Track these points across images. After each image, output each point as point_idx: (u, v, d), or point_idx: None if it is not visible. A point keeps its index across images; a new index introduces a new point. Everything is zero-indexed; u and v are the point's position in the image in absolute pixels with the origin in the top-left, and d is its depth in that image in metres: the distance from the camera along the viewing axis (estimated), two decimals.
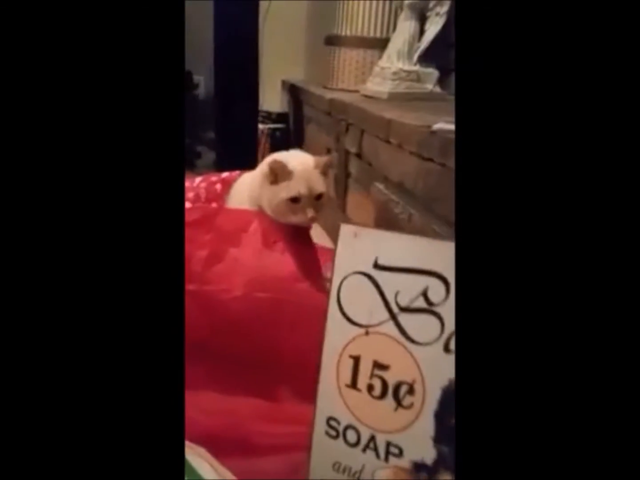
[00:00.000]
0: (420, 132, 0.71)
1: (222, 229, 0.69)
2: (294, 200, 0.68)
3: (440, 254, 0.39)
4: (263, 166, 0.72)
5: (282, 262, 0.64)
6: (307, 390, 0.51)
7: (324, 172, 0.70)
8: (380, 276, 0.41)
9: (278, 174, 0.68)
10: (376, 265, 0.42)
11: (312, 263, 0.71)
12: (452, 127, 0.69)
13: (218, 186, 0.86)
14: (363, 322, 0.43)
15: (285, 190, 0.68)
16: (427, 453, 0.40)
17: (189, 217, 0.70)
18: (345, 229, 0.44)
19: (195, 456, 0.45)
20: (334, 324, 0.44)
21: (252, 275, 0.62)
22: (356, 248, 0.43)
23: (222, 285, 0.61)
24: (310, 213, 0.68)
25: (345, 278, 0.44)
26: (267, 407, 0.61)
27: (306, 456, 0.47)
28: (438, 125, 0.69)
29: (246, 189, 0.77)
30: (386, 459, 0.42)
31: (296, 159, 0.71)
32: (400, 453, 0.41)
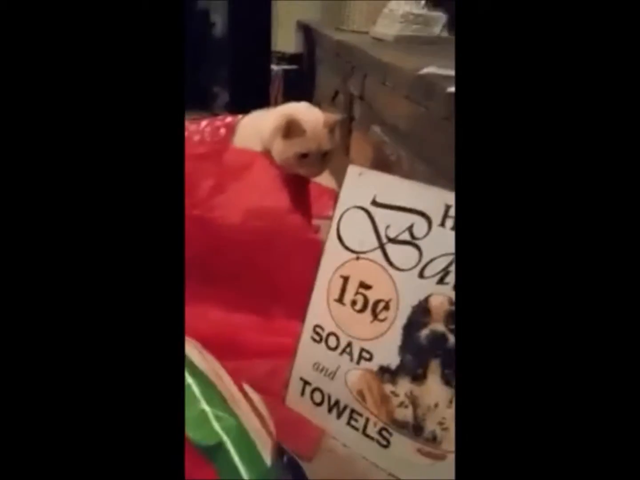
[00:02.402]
0: (412, 75, 0.75)
1: (228, 165, 0.75)
2: (303, 155, 0.74)
3: (428, 197, 0.46)
4: (277, 117, 0.76)
5: (279, 197, 0.72)
6: (297, 309, 0.60)
7: (332, 131, 0.76)
8: (376, 211, 0.49)
9: (291, 130, 0.73)
10: (374, 202, 0.49)
11: (304, 201, 0.79)
12: (442, 71, 0.71)
13: (222, 130, 0.90)
14: (356, 248, 0.51)
15: (297, 146, 0.74)
16: (393, 359, 0.49)
17: (197, 150, 0.76)
18: (352, 169, 0.51)
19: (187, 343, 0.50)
20: (331, 249, 0.52)
21: (251, 206, 0.69)
22: (359, 186, 0.50)
23: (223, 213, 0.68)
24: (316, 168, 0.75)
25: (346, 211, 0.51)
26: (259, 320, 0.69)
27: (287, 363, 0.56)
28: (427, 70, 0.72)
29: (255, 129, 0.82)
30: (358, 362, 0.51)
31: (308, 116, 0.76)
32: (371, 358, 0.50)
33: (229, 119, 0.92)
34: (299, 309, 0.57)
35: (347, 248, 0.51)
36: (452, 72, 0.71)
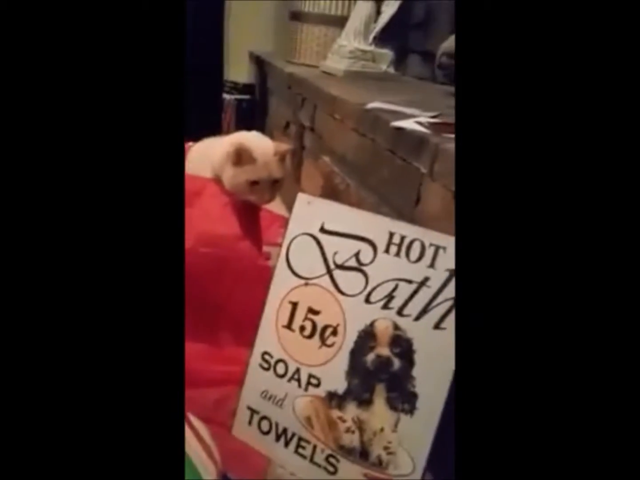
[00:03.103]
0: (359, 109, 0.79)
1: None
2: (254, 183, 0.76)
3: (374, 225, 0.48)
4: (227, 145, 0.77)
5: (229, 224, 0.72)
6: (246, 336, 0.59)
7: (282, 159, 0.78)
8: (324, 238, 0.51)
9: (242, 158, 0.75)
10: (322, 229, 0.51)
11: (255, 228, 0.79)
12: (386, 106, 0.76)
13: None
14: (305, 275, 0.52)
15: (247, 174, 0.75)
16: (340, 384, 0.49)
17: None
18: (301, 197, 0.53)
19: None
20: (280, 275, 0.53)
21: (201, 232, 0.68)
22: (308, 213, 0.52)
23: None
24: (266, 195, 0.77)
25: (295, 237, 0.52)
26: (208, 348, 0.68)
27: (235, 392, 0.55)
28: (373, 105, 0.76)
29: (205, 156, 0.82)
30: (306, 389, 0.51)
31: (259, 144, 0.77)
32: (319, 383, 0.50)
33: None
34: (249, 336, 0.57)
35: (296, 274, 0.52)
36: (396, 107, 0.76)
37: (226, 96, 1.78)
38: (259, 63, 1.74)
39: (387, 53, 1.34)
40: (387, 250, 0.48)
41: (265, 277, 0.55)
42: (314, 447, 0.50)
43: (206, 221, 0.73)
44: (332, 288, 0.50)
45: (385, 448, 0.47)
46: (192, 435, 0.39)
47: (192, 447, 0.38)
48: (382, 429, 0.47)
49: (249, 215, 0.80)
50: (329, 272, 0.50)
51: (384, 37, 1.34)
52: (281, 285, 0.53)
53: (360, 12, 1.31)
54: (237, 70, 1.89)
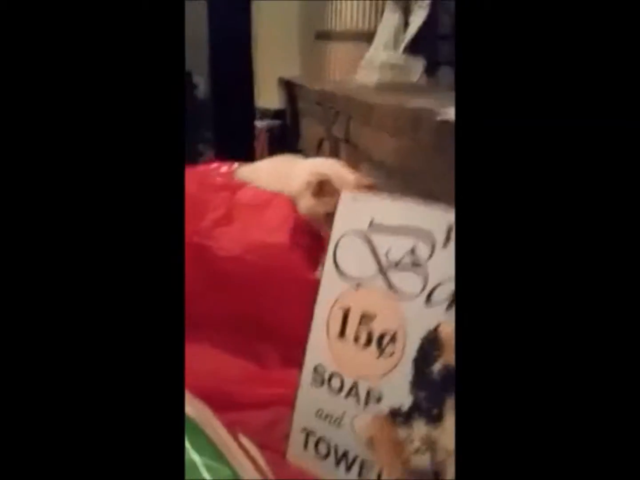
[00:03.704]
0: (397, 110, 0.76)
1: (241, 200, 0.73)
2: (331, 214, 0.73)
3: (430, 217, 0.43)
4: (308, 173, 0.74)
5: (284, 234, 0.68)
6: (293, 356, 0.55)
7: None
8: (375, 236, 0.46)
9: (323, 189, 0.72)
10: (371, 226, 0.46)
11: (315, 244, 0.75)
12: (428, 105, 0.72)
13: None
14: (355, 277, 0.47)
15: (326, 206, 0.71)
16: (405, 399, 0.44)
17: (211, 181, 0.75)
18: (346, 195, 0.49)
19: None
20: (328, 280, 0.49)
21: (251, 241, 0.65)
22: (354, 210, 0.48)
23: (223, 244, 0.64)
24: None
25: (341, 237, 0.48)
26: (253, 370, 0.64)
27: (286, 412, 0.51)
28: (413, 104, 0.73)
29: (279, 175, 0.78)
30: (366, 405, 0.46)
31: (341, 176, 0.74)
32: (380, 399, 0.45)
33: (224, 168, 0.91)
34: (297, 357, 0.52)
35: (345, 277, 0.48)
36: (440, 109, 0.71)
37: (258, 123, 1.81)
38: (289, 87, 1.76)
39: (419, 63, 1.31)
40: (446, 245, 0.43)
41: (313, 292, 0.51)
42: (380, 471, 0.45)
43: (261, 231, 0.69)
44: (386, 290, 0.45)
45: None
46: (243, 456, 0.35)
47: (244, 467, 0.33)
48: None
49: (313, 231, 0.76)
50: (382, 272, 0.45)
51: (414, 48, 1.32)
52: (330, 291, 0.48)
53: (388, 24, 1.30)
54: (267, 97, 1.91)
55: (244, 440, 0.39)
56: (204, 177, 0.77)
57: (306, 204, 0.73)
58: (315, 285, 0.60)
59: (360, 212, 0.47)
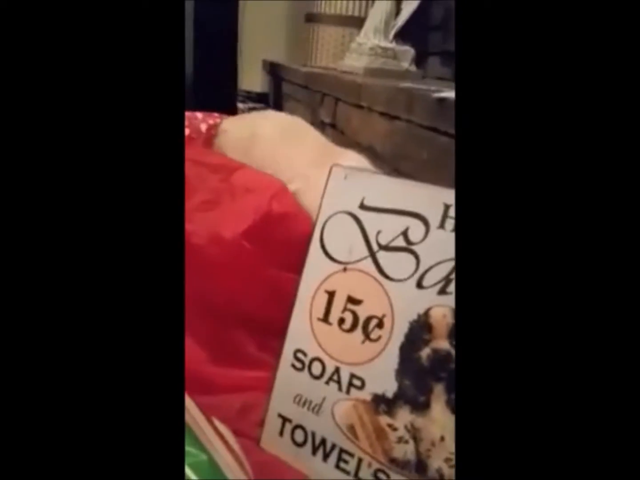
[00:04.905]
0: (389, 90, 0.73)
1: (234, 184, 0.69)
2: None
3: (425, 197, 0.41)
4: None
5: (242, 231, 0.65)
6: (271, 341, 0.53)
7: None
8: (365, 216, 0.44)
9: None
10: (362, 206, 0.44)
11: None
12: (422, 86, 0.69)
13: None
14: (342, 259, 0.45)
15: None
16: (389, 386, 0.42)
17: (209, 159, 0.73)
18: (336, 171, 0.46)
19: None
20: (314, 261, 0.46)
21: (216, 231, 0.62)
22: (345, 189, 0.45)
23: (197, 230, 0.61)
24: None
25: (330, 217, 0.46)
26: (229, 353, 0.61)
27: (263, 397, 0.49)
28: (406, 84, 0.70)
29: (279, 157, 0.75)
30: (348, 391, 0.44)
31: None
32: (363, 385, 0.43)
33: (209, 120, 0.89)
34: (273, 341, 0.50)
35: (332, 259, 0.45)
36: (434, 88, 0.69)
37: (240, 105, 1.76)
38: (274, 69, 1.72)
39: (409, 50, 1.29)
40: (441, 226, 0.41)
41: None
42: (359, 460, 0.43)
43: (228, 222, 0.66)
44: (375, 273, 0.43)
45: (447, 460, 0.39)
46: (219, 440, 0.33)
47: (219, 452, 0.31)
48: (442, 438, 0.40)
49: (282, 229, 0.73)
50: (372, 254, 0.43)
51: (404, 37, 1.30)
52: (315, 272, 0.46)
53: (380, 9, 1.27)
54: (251, 79, 1.87)
55: (218, 425, 0.37)
56: (201, 155, 0.74)
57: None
58: (274, 281, 0.58)
59: (351, 191, 0.45)
